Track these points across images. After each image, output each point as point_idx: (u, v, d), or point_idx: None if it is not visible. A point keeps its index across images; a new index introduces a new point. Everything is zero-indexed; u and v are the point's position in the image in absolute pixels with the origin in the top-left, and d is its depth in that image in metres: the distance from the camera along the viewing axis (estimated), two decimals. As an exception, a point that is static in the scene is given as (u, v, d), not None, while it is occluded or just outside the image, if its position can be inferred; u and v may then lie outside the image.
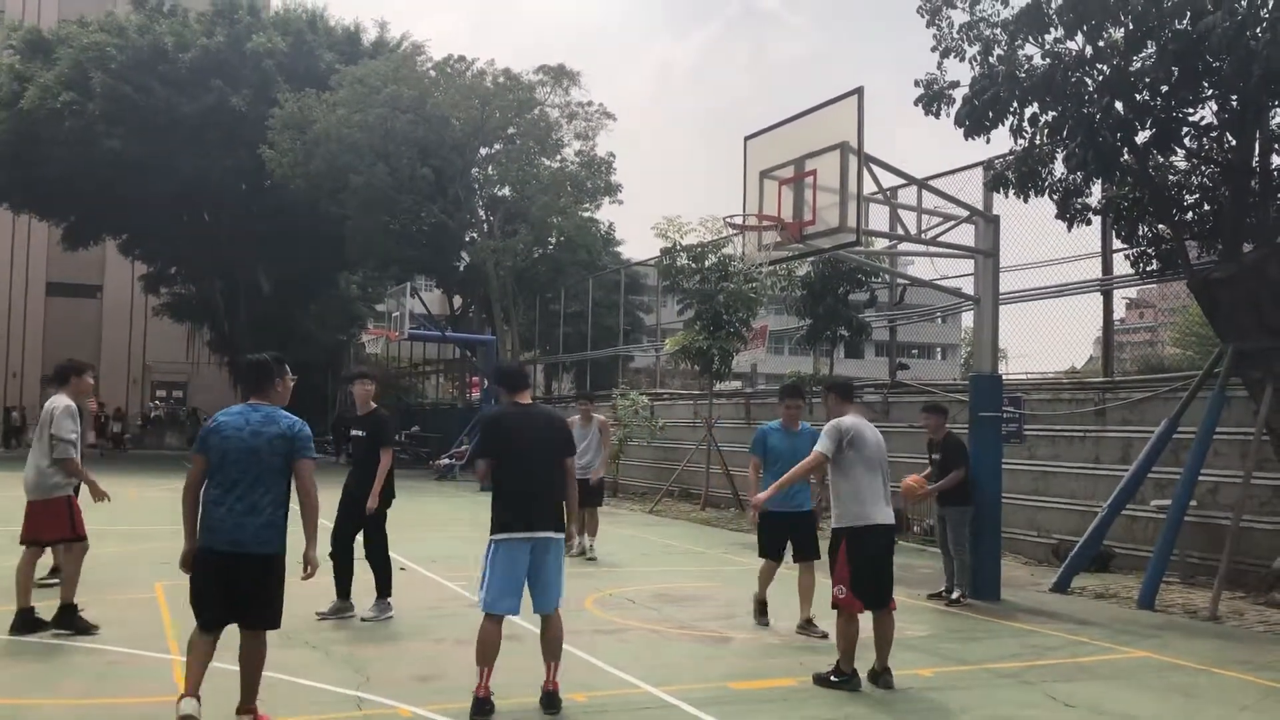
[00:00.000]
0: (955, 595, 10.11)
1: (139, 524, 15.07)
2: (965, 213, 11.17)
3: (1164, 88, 9.62)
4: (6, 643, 7.35)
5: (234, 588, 5.29)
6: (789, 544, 8.56)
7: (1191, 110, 10.09)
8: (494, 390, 6.55)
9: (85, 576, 8.14)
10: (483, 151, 31.42)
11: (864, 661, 6.74)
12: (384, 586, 8.69)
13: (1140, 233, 11.39)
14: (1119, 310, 15.09)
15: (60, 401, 7.79)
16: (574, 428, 12.24)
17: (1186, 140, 10.42)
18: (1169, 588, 10.74)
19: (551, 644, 5.98)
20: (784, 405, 8.72)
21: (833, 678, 6.65)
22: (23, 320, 50.28)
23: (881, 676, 6.70)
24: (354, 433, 8.81)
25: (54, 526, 7.69)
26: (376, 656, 7.24)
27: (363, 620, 8.44)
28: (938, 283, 12.90)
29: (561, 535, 6.03)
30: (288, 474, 5.42)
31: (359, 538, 8.70)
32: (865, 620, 6.71)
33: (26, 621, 7.53)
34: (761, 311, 19.79)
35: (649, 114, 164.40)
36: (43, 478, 7.69)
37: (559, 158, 31.28)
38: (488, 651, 5.80)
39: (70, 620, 7.54)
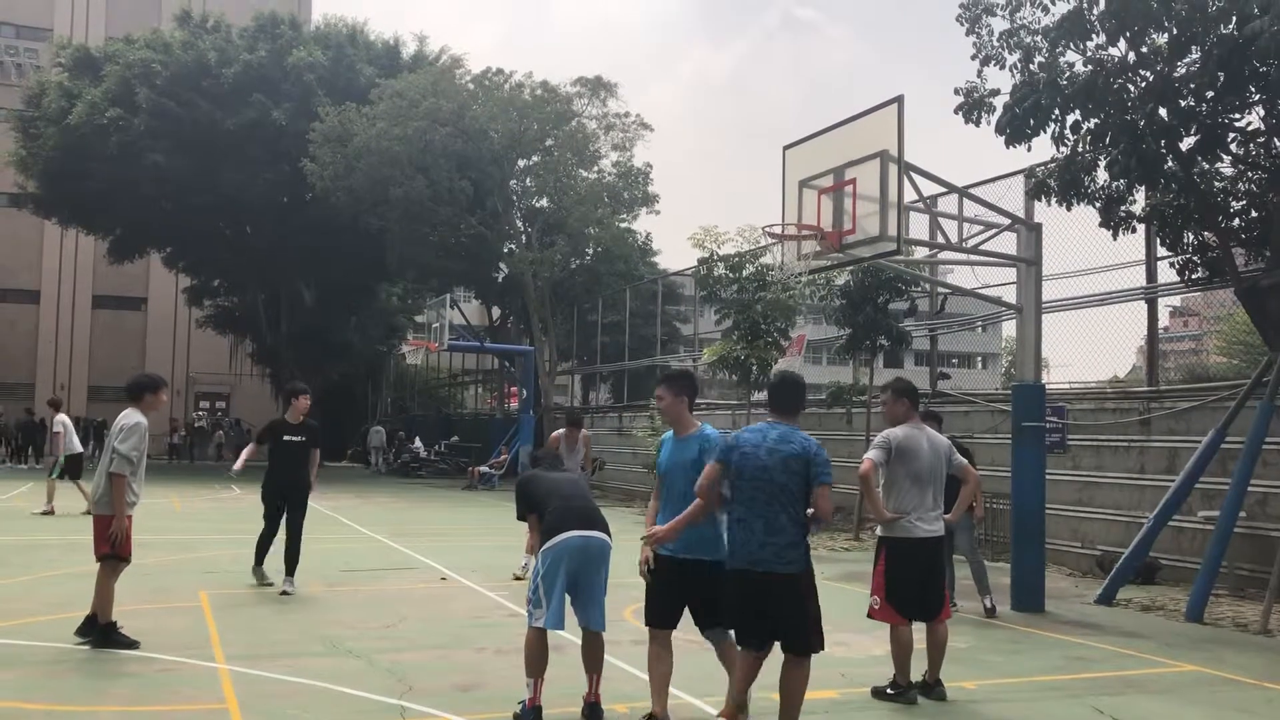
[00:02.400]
0: (988, 604, 10.03)
1: (183, 534, 15.26)
2: (1007, 221, 11.09)
3: (1209, 93, 9.50)
4: (56, 650, 7.46)
5: (760, 605, 5.36)
6: (690, 607, 5.82)
7: (1238, 115, 9.95)
8: (529, 460, 7.02)
9: (132, 585, 8.26)
10: (520, 163, 31.63)
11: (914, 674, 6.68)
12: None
13: (1186, 240, 11.25)
14: (1163, 318, 14.89)
15: (133, 418, 7.70)
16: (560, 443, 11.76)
17: (1233, 146, 10.27)
18: (1218, 600, 10.56)
19: (594, 656, 5.97)
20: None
21: (889, 690, 6.65)
22: (70, 333, 51.13)
23: (934, 689, 6.65)
24: (288, 438, 10.69)
25: (104, 543, 7.66)
26: (419, 665, 7.27)
27: (284, 594, 10.16)
28: (979, 291, 12.80)
29: (610, 541, 6.02)
30: (806, 495, 5.41)
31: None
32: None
33: (107, 634, 7.60)
34: (800, 320, 19.70)
35: (686, 124, 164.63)
36: (101, 493, 7.71)
37: (596, 169, 31.44)
38: (538, 663, 5.81)
39: (110, 638, 7.55)
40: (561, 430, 11.93)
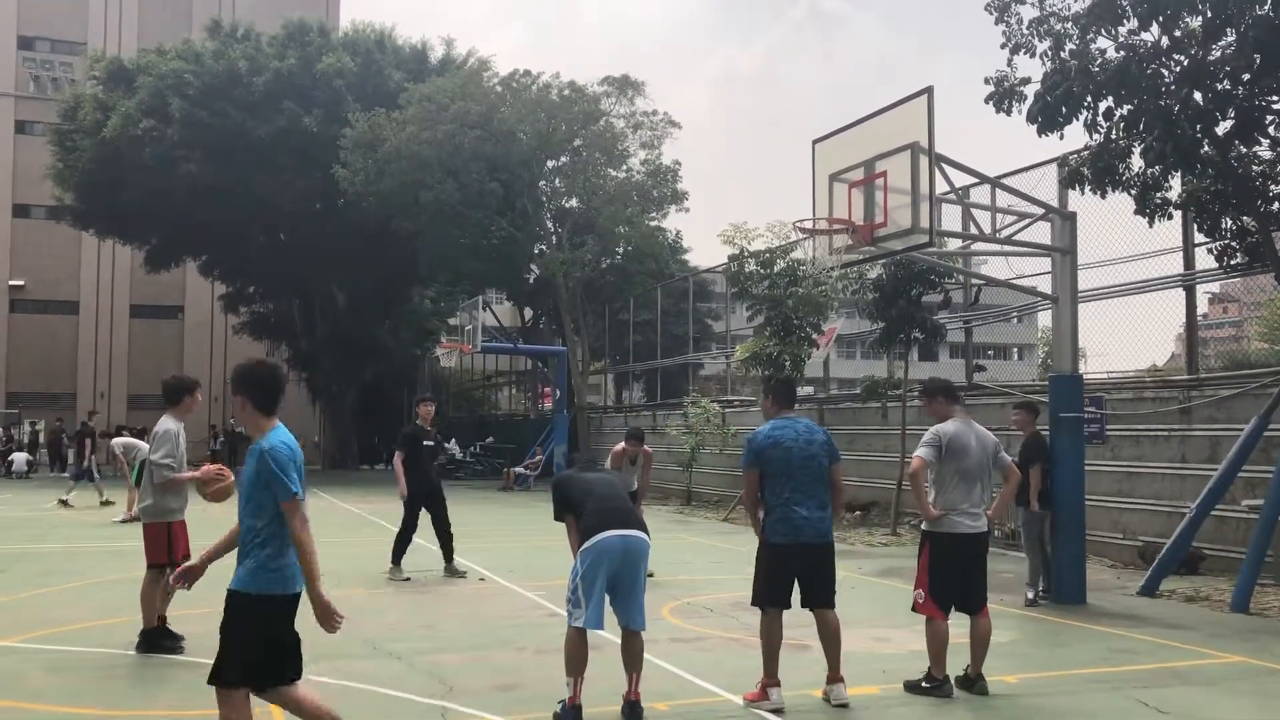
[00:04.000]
0: (1030, 596, 10.15)
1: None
2: (1040, 210, 10.99)
3: (1245, 76, 9.35)
4: (105, 655, 7.57)
5: (826, 569, 6.38)
6: None
7: (1275, 98, 9.79)
8: (565, 460, 7.30)
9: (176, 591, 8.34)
10: (549, 164, 31.69)
11: (955, 668, 6.65)
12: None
13: (1224, 225, 11.08)
14: (1201, 305, 14.70)
15: (163, 425, 7.85)
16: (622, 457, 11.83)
17: (1271, 129, 10.11)
18: (1264, 590, 10.40)
19: (633, 655, 5.99)
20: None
21: (924, 684, 6.61)
22: (109, 342, 51.78)
23: (976, 683, 6.63)
24: (426, 443, 11.94)
25: (153, 550, 7.83)
26: (459, 666, 7.32)
27: (462, 575, 11.54)
28: (1014, 282, 12.69)
29: (649, 540, 6.06)
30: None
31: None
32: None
33: (151, 639, 7.69)
34: (832, 315, 19.63)
35: (715, 120, 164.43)
36: (146, 501, 7.89)
37: (625, 168, 31.45)
38: (578, 662, 5.84)
39: (154, 643, 7.65)
40: (622, 444, 11.89)
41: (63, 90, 45.00)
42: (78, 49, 49.27)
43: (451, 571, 11.62)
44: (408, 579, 11.33)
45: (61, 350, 50.87)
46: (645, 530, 6.08)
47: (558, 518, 6.28)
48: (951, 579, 6.64)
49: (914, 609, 6.79)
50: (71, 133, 36.38)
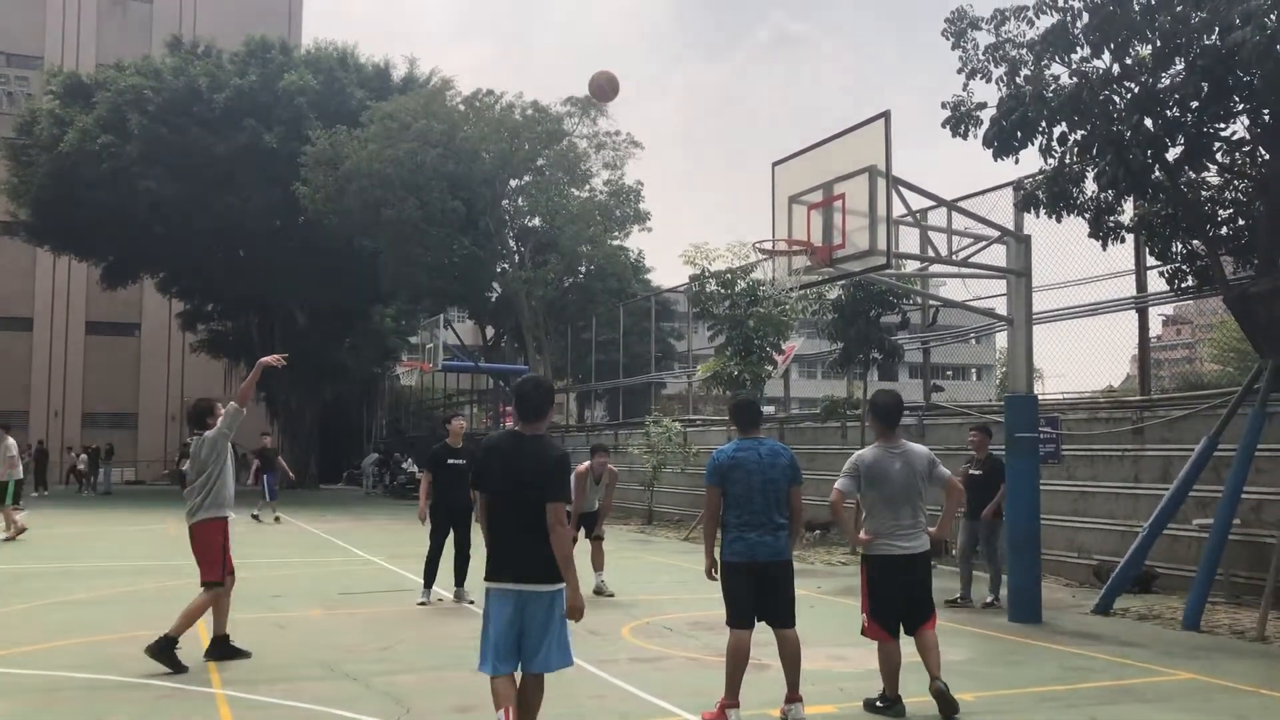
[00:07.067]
0: (990, 599, 10.72)
1: (181, 559, 15.19)
2: (996, 233, 11.14)
3: (1194, 103, 9.57)
4: (52, 679, 7.44)
5: (784, 589, 6.38)
6: None
7: (1223, 125, 10.02)
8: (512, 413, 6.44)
9: (129, 612, 8.24)
10: (512, 183, 31.73)
11: (918, 685, 6.69)
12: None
13: (1174, 249, 11.30)
14: (1155, 327, 14.95)
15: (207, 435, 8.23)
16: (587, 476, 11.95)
17: (1219, 155, 10.35)
18: (1214, 608, 10.57)
19: (530, 701, 5.32)
20: None
21: (878, 703, 6.65)
22: (63, 360, 51.06)
23: (938, 688, 6.45)
24: (452, 461, 11.34)
25: (209, 566, 7.95)
26: (416, 687, 7.26)
27: (470, 603, 10.82)
28: (970, 304, 12.85)
29: (553, 589, 5.15)
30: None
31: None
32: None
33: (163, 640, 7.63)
34: (792, 335, 19.76)
35: (679, 140, 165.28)
36: (207, 502, 8.01)
37: (588, 187, 31.55)
38: (504, 699, 5.20)
39: (167, 653, 7.55)
40: (587, 463, 11.89)
41: (18, 104, 44.47)
42: (34, 63, 48.75)
43: (460, 596, 11.22)
44: (427, 602, 11.15)
45: (15, 367, 50.08)
46: (538, 576, 5.16)
47: (472, 487, 5.70)
48: (890, 600, 6.64)
49: (862, 633, 6.82)
50: (27, 147, 35.99)
